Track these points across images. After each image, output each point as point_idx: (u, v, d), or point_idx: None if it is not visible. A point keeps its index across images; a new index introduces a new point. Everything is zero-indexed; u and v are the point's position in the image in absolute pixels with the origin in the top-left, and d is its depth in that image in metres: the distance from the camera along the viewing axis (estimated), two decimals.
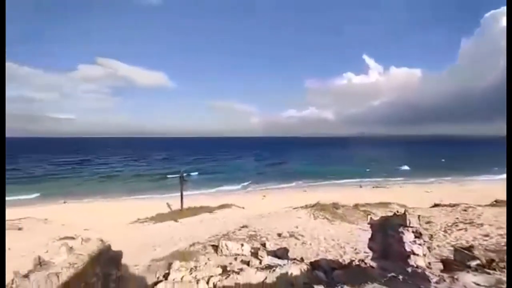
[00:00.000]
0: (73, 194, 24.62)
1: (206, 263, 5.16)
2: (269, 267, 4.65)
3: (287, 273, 3.94)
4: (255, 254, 6.25)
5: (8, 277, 2.35)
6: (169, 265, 5.08)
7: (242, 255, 5.99)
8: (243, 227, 9.18)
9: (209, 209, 16.03)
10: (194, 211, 15.92)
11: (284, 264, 4.29)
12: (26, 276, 1.75)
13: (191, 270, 4.49)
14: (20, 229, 11.64)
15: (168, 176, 32.05)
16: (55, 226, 13.34)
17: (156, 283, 4.31)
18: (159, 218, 14.48)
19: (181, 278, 4.12)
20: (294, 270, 4.05)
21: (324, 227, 9.72)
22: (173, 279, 4.03)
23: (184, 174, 19.94)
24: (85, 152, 76.74)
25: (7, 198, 21.37)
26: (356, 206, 12.86)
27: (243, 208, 16.99)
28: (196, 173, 35.03)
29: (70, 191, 25.98)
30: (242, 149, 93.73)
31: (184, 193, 17.62)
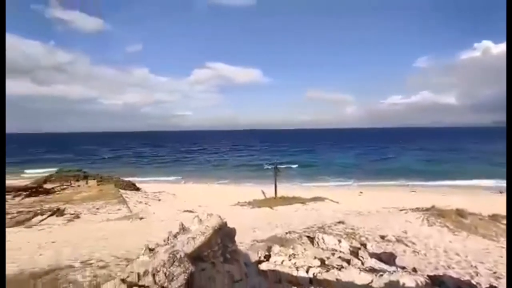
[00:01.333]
0: (191, 176, 30.38)
1: (303, 253, 5.25)
2: (373, 270, 4.24)
3: (398, 282, 3.46)
4: (354, 253, 5.84)
5: (162, 235, 3.13)
6: (269, 248, 5.47)
7: (340, 251, 5.72)
8: (339, 222, 8.74)
9: (302, 200, 16.16)
10: (288, 200, 16.46)
11: (393, 271, 3.79)
12: (175, 236, 2.25)
13: (289, 257, 4.68)
14: (159, 200, 15.41)
15: (265, 166, 34.46)
16: (180, 201, 16.85)
17: (259, 262, 4.74)
18: (256, 203, 15.79)
19: (281, 262, 4.35)
20: (408, 280, 3.51)
21: (444, 237, 7.98)
22: (274, 262, 4.32)
23: (279, 166, 20.87)
24: (200, 143, 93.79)
25: (154, 178, 28.68)
26: (494, 217, 9.84)
27: (337, 202, 16.18)
28: (296, 165, 35.90)
29: (189, 174, 32.34)
30: (339, 141, 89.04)
31: (278, 183, 18.45)
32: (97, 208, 10.85)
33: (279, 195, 17.93)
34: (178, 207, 13.51)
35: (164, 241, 2.23)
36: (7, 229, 7.37)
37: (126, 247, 6.09)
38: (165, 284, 1.74)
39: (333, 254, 5.77)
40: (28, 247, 6.21)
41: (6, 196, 12.06)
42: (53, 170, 21.32)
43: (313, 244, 6.55)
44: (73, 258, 5.34)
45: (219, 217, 2.89)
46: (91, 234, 7.53)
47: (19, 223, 7.91)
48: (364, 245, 6.91)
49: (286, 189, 20.29)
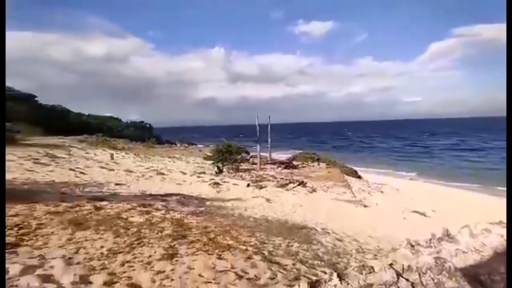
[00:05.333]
0: (427, 173, 25.87)
1: None
2: None
3: None
4: None
5: (388, 230, 2.89)
6: None
7: None
8: None
9: None
10: None
11: None
12: (438, 240, 1.96)
13: None
14: (382, 192, 14.83)
15: None
16: (405, 198, 15.02)
17: None
18: None
19: None
20: None
21: None
22: None
23: None
24: (434, 133, 77.71)
25: (376, 169, 28.37)
26: None
27: None
28: None
29: (427, 168, 27.93)
30: None
31: None
32: (327, 187, 12.63)
33: None
34: (404, 205, 12.12)
35: (426, 242, 2.02)
36: (277, 188, 10.83)
37: (355, 230, 6.53)
38: None
39: None
40: (287, 204, 8.70)
41: (275, 166, 17.65)
42: (297, 152, 27.93)
43: None
44: (314, 223, 6.63)
45: (503, 237, 2.11)
46: (325, 207, 8.97)
47: (282, 186, 11.28)
48: None
49: None
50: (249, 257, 3.32)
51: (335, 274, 1.61)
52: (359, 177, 19.52)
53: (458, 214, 12.48)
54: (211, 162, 15.11)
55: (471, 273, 1.82)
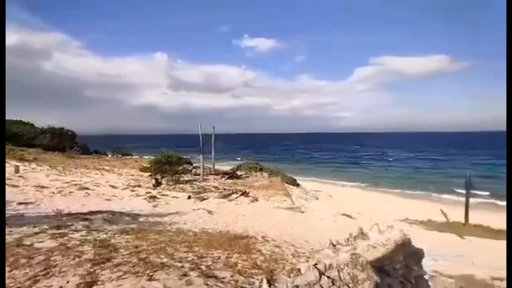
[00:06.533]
0: (356, 180, 29.25)
1: None
2: None
3: None
4: None
5: (321, 232, 3.21)
6: None
7: None
8: None
9: None
10: (489, 232, 11.69)
11: None
12: (355, 238, 2.24)
13: None
14: (317, 198, 16.17)
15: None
16: (337, 203, 16.73)
17: None
18: (434, 226, 12.52)
19: None
20: None
21: None
22: None
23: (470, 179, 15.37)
24: (362, 145, 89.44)
25: (313, 178, 30.74)
26: None
27: None
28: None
29: (355, 176, 31.58)
30: None
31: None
32: (269, 196, 13.07)
33: (472, 222, 13.13)
34: (336, 209, 13.48)
35: (345, 241, 2.27)
36: (219, 199, 10.65)
37: (292, 235, 6.90)
38: (350, 285, 1.76)
39: None
40: (230, 215, 8.63)
41: (218, 177, 17.38)
42: (241, 162, 28.25)
43: None
44: (256, 232, 6.75)
45: (402, 231, 2.54)
46: (266, 216, 9.23)
47: (225, 196, 11.15)
48: None
49: (477, 213, 14.62)
50: (185, 274, 3.14)
51: (264, 281, 1.66)
52: (298, 185, 20.89)
53: (378, 214, 14.53)
54: (149, 174, 13.95)
55: (378, 264, 2.13)
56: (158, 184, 12.69)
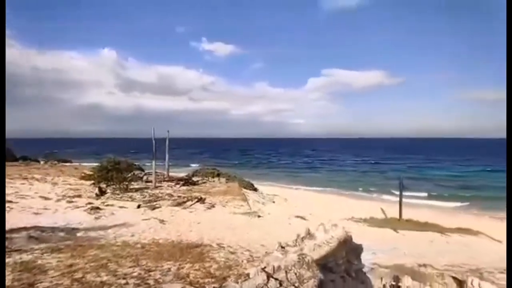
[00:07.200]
0: (305, 183, 30.84)
1: None
2: None
3: None
4: None
5: (277, 235, 3.32)
6: (396, 278, 4.67)
7: None
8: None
9: (439, 229, 12.79)
10: (417, 225, 13.49)
11: None
12: (302, 239, 2.34)
13: None
14: (273, 202, 16.57)
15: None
16: (291, 206, 17.40)
17: None
18: (375, 222, 13.92)
19: None
20: None
21: None
22: None
23: (404, 180, 17.63)
24: (315, 150, 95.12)
25: (270, 182, 31.41)
26: None
27: (500, 242, 11.72)
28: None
29: (309, 179, 33.24)
30: (493, 155, 65.35)
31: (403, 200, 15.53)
32: (226, 202, 12.91)
33: (405, 217, 15.03)
34: (290, 212, 13.99)
35: (293, 242, 2.36)
36: (173, 207, 10.11)
37: (248, 240, 6.92)
38: (296, 284, 1.83)
39: None
40: (184, 223, 8.25)
41: (172, 183, 16.52)
42: (198, 167, 27.40)
43: None
44: (211, 239, 6.58)
45: (344, 229, 2.76)
46: (223, 222, 9.08)
47: (179, 204, 10.64)
48: None
49: (412, 210, 16.84)
50: None
51: None
52: (256, 190, 21.14)
53: (328, 215, 15.55)
54: (91, 182, 12.53)
55: (323, 262, 2.26)
56: (102, 193, 11.46)
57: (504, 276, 6.00)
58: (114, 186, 12.53)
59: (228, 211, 11.12)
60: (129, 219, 7.88)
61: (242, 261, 4.71)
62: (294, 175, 38.69)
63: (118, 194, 11.85)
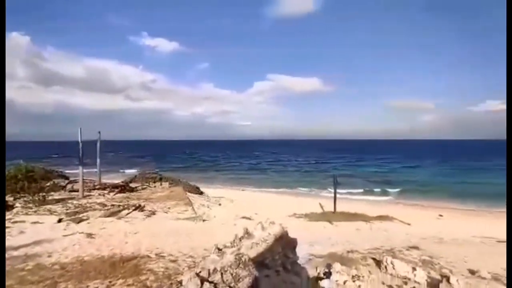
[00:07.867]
0: (251, 184, 31.38)
1: (368, 276, 4.77)
2: None
3: None
4: (433, 285, 5.00)
5: (222, 238, 3.32)
6: (329, 265, 5.17)
7: (415, 281, 4.96)
8: (412, 247, 7.63)
9: (365, 218, 14.74)
10: (348, 216, 15.26)
11: None
12: (240, 239, 2.37)
13: (353, 278, 4.32)
14: (219, 204, 16.37)
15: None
16: (238, 207, 17.52)
17: (318, 278, 4.52)
18: (314, 217, 15.15)
19: (344, 283, 4.05)
20: None
21: None
22: (336, 280, 4.05)
23: (337, 178, 19.71)
24: (260, 152, 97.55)
25: (215, 184, 30.85)
26: None
27: (409, 224, 14.18)
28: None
29: (255, 180, 33.77)
30: (411, 154, 79.19)
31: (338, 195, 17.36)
32: (169, 208, 12.18)
33: (338, 210, 16.82)
34: (236, 213, 14.06)
35: (231, 243, 2.37)
36: (105, 218, 9.00)
37: (192, 246, 6.66)
38: (232, 284, 1.83)
39: (405, 283, 5.07)
40: (118, 235, 7.42)
41: (105, 191, 14.73)
42: (136, 172, 25.11)
43: (380, 269, 5.89)
44: (150, 249, 6.10)
45: (281, 225, 2.90)
46: (164, 230, 8.51)
47: (113, 214, 9.54)
48: (447, 279, 5.82)
49: (345, 203, 19.00)
50: None
51: None
52: (202, 193, 20.55)
53: (272, 213, 16.21)
54: None
55: (261, 259, 2.33)
56: (8, 208, 9.41)
57: (410, 252, 7.30)
58: (25, 199, 10.44)
59: (170, 217, 10.50)
60: (46, 236, 6.67)
61: (183, 269, 4.50)
62: (242, 177, 39.09)
63: (32, 208, 9.90)
